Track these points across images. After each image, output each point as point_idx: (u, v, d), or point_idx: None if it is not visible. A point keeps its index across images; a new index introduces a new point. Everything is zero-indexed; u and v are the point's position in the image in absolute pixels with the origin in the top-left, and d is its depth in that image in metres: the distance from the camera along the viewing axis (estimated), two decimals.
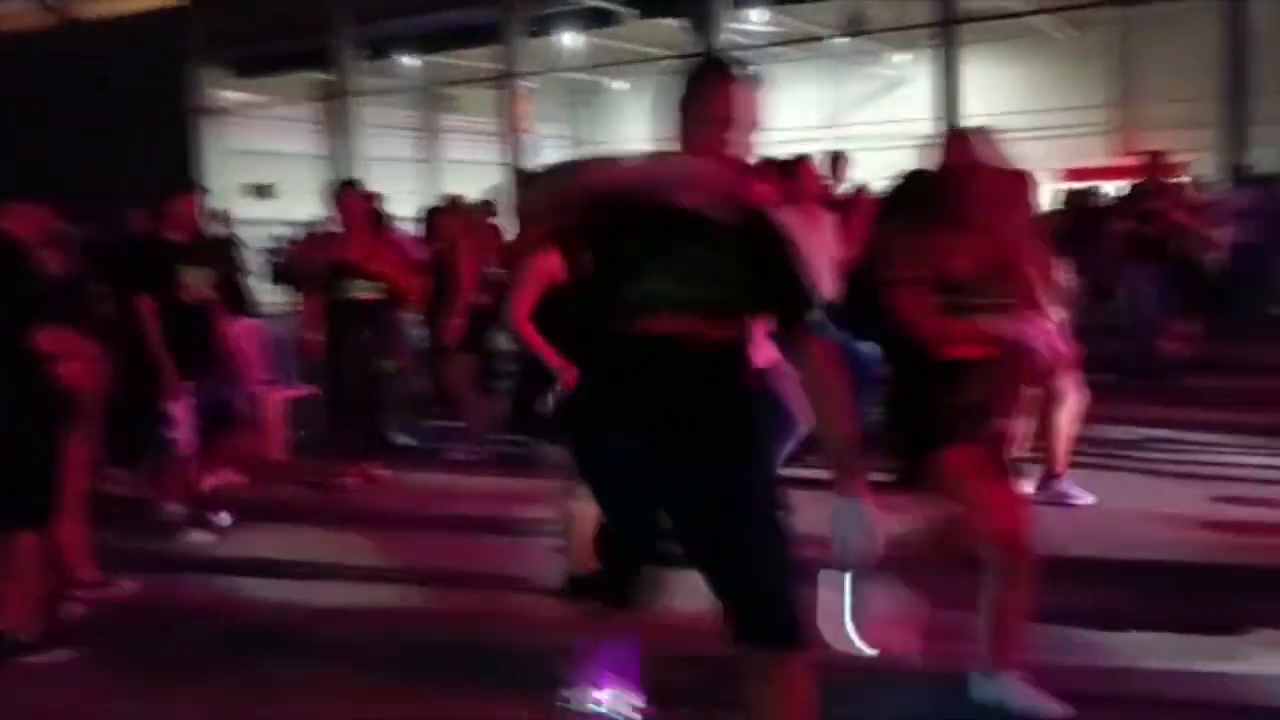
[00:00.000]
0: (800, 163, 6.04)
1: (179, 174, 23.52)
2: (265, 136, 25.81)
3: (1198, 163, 13.62)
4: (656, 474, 2.59)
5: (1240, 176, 12.98)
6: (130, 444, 6.76)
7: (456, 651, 4.06)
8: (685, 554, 2.66)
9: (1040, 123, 25.11)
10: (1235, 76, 15.22)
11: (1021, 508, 3.36)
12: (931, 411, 3.29)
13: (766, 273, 2.59)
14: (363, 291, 6.46)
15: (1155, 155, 8.82)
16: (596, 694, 3.09)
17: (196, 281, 5.64)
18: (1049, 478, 5.55)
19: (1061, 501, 5.47)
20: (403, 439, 7.77)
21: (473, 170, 30.18)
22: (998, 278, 3.36)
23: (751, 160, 2.71)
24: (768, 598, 2.54)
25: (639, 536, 2.71)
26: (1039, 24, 25.01)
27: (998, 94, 24.90)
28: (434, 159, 29.05)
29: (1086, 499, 5.49)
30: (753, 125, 2.60)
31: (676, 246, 2.53)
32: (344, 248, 6.42)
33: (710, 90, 2.58)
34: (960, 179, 3.41)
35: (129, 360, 5.31)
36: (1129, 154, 24.66)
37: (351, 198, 6.45)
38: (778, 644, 2.54)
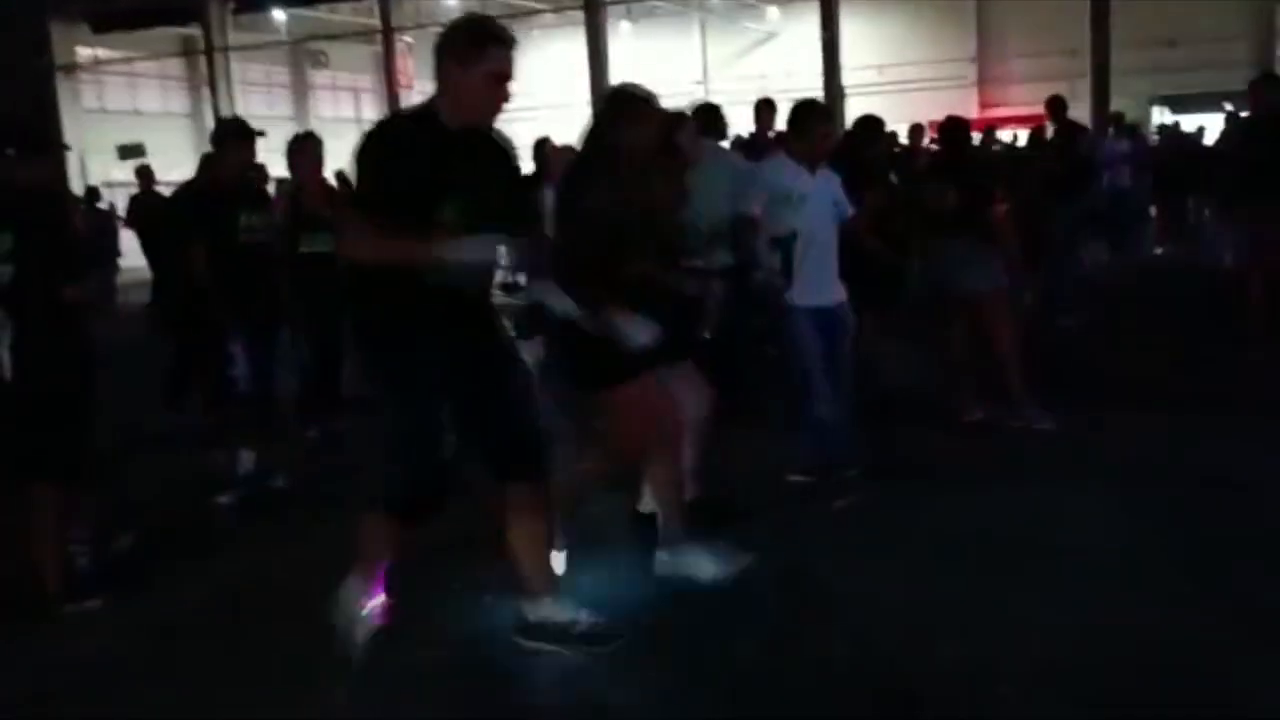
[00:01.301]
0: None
1: (35, 135, 22.45)
2: (128, 95, 24.77)
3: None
4: (452, 370, 3.16)
5: (1113, 125, 13.75)
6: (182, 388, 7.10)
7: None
8: (461, 427, 3.27)
9: (906, 76, 25.97)
10: (1098, 31, 16.06)
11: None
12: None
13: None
14: (324, 245, 6.43)
15: (1054, 101, 9.46)
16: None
17: (251, 225, 5.56)
18: (1011, 405, 5.89)
19: (1028, 426, 5.79)
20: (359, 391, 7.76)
21: (346, 128, 29.60)
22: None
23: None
24: (528, 441, 3.31)
25: (439, 435, 3.20)
26: None
27: (867, 48, 25.64)
28: (304, 116, 28.35)
29: (1047, 423, 5.80)
30: None
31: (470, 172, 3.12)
32: (306, 200, 6.39)
33: (500, 53, 3.05)
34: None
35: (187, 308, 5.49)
36: (990, 106, 25.74)
37: (313, 150, 6.39)
38: (538, 475, 3.29)
